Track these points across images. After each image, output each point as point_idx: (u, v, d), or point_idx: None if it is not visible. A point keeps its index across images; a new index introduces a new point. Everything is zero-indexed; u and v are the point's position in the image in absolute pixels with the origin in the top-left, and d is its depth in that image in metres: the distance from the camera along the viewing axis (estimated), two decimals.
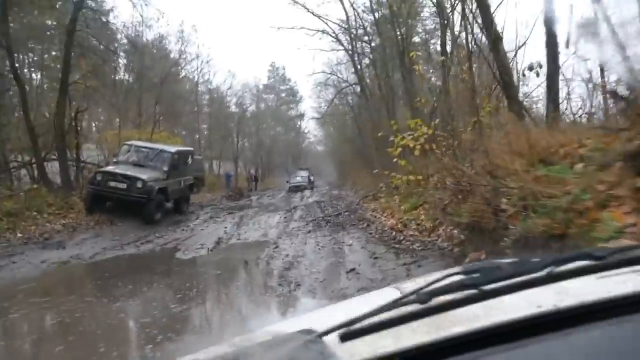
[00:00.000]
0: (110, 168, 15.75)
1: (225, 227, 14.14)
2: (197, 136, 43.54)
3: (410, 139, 10.50)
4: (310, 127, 72.06)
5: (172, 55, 37.93)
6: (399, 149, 11.33)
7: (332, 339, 0.90)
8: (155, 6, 56.39)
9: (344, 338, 0.89)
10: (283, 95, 68.61)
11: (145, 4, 32.01)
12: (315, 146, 77.99)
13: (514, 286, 0.95)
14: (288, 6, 48.64)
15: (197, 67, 41.76)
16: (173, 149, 17.36)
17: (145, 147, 16.74)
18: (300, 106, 68.71)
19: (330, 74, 37.37)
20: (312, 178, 45.44)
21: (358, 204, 18.63)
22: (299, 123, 70.69)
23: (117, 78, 31.43)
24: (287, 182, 41.08)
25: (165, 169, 15.99)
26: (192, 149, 20.33)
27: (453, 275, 1.02)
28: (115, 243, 11.88)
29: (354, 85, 37.07)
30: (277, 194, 32.01)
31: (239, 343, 0.99)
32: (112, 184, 14.83)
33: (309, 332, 0.94)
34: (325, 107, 44.87)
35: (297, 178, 41.04)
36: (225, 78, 57.73)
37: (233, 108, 52.12)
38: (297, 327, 1.02)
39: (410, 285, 1.24)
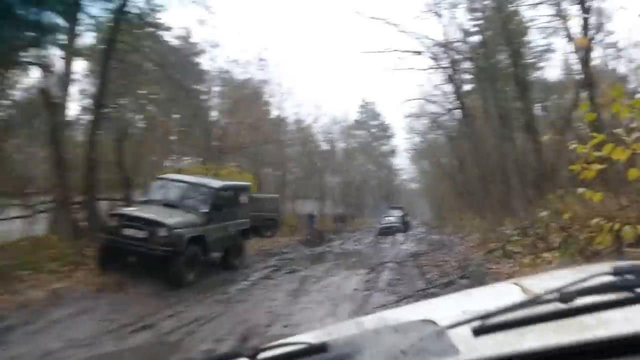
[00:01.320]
0: (128, 209, 11.48)
1: (275, 300, 9.17)
2: (281, 173, 39.62)
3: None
4: (402, 163, 66.62)
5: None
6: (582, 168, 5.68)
7: (462, 333, 0.84)
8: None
9: (478, 332, 0.83)
10: (374, 131, 63.88)
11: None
12: (408, 184, 72.16)
13: None
14: (375, 34, 44.35)
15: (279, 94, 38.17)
16: (218, 183, 12.66)
17: (182, 182, 12.29)
18: (392, 142, 63.66)
19: (425, 99, 32.02)
20: (407, 218, 39.75)
21: (479, 262, 12.15)
22: (390, 160, 65.52)
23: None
24: (379, 222, 35.74)
25: (205, 210, 11.41)
26: (248, 183, 15.58)
27: (602, 275, 0.92)
28: (96, 329, 7.31)
29: (453, 111, 31.51)
30: (364, 238, 26.78)
31: (365, 324, 1.01)
32: (129, 231, 10.44)
33: (431, 322, 0.90)
34: (419, 141, 39.50)
35: (389, 218, 35.57)
36: (311, 111, 54.04)
37: (321, 144, 48.09)
38: (416, 315, 0.98)
39: (531, 282, 1.14)
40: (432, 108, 33.67)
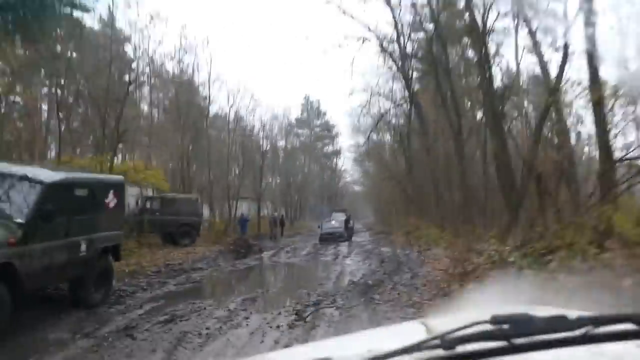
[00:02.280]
0: None
1: None
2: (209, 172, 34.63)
3: None
4: (346, 165, 62.88)
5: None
6: None
7: None
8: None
9: None
10: (317, 130, 59.82)
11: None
12: (351, 186, 68.42)
13: (547, 343, 0.89)
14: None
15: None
16: (52, 175, 7.65)
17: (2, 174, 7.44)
18: (336, 142, 59.80)
19: (372, 94, 28.04)
20: (351, 223, 35.78)
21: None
22: (334, 160, 61.65)
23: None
24: (319, 227, 31.41)
25: (22, 219, 6.71)
26: (119, 178, 10.45)
27: (482, 323, 0.94)
28: None
29: (402, 106, 27.72)
30: (302, 246, 22.35)
31: None
32: None
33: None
34: (364, 142, 35.60)
35: (332, 223, 31.25)
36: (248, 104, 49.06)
37: (259, 141, 43.44)
38: (316, 354, 0.98)
39: (437, 323, 1.16)
40: (380, 104, 29.93)
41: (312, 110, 59.37)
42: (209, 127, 32.21)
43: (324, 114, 59.19)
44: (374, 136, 40.88)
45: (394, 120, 31.12)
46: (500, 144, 17.94)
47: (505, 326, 0.92)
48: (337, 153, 59.08)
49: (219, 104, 38.65)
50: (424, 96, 27.68)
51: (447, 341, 0.89)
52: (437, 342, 0.90)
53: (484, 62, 18.05)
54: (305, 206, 57.37)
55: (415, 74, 25.81)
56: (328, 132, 59.49)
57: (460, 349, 0.87)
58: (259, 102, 38.46)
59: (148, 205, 19.81)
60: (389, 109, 28.02)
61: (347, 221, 31.56)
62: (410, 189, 30.12)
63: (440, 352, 0.88)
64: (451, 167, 23.09)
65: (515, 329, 0.90)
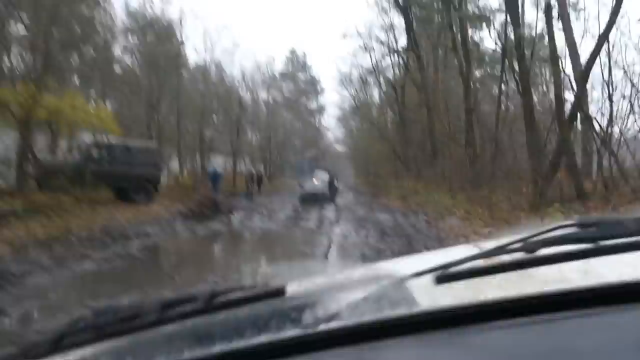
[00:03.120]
0: None
1: None
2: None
3: None
4: (330, 123, 59.20)
5: None
6: None
7: (424, 282, 0.80)
8: None
9: (440, 280, 0.79)
10: (302, 85, 55.59)
11: None
12: (334, 147, 64.56)
13: (637, 245, 0.81)
14: None
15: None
16: None
17: None
18: (321, 99, 55.76)
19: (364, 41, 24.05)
20: (336, 183, 32.40)
21: None
22: (318, 118, 57.71)
23: None
24: (300, 185, 27.94)
25: None
26: None
27: (567, 227, 0.90)
28: None
29: (401, 53, 23.93)
30: (280, 207, 18.83)
31: (335, 278, 0.94)
32: None
33: (393, 274, 0.88)
34: (351, 101, 31.77)
35: (314, 183, 27.79)
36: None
37: (239, 92, 39.32)
38: (389, 270, 0.96)
39: (489, 244, 1.02)
40: (373, 56, 26.02)
41: (297, 64, 54.98)
42: (182, 73, 28.07)
43: (310, 67, 54.87)
44: (361, 95, 37.34)
45: (388, 73, 27.34)
46: (527, 95, 14.55)
47: (592, 229, 0.87)
48: (321, 110, 55.21)
49: (195, 49, 33.87)
50: (426, 42, 23.98)
51: (530, 244, 0.85)
52: (519, 245, 0.86)
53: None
54: (286, 164, 53.81)
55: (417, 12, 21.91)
56: (313, 86, 55.30)
57: (543, 251, 0.82)
58: (239, 47, 33.96)
59: (94, 153, 16.00)
60: (382, 57, 24.02)
61: (331, 181, 28.14)
62: (402, 148, 26.72)
63: (522, 255, 0.84)
64: (455, 122, 19.70)
65: (603, 232, 0.85)
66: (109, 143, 16.55)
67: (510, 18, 14.76)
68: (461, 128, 19.49)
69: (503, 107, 20.92)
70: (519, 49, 15.06)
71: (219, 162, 34.55)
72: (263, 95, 44.75)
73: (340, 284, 0.88)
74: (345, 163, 63.85)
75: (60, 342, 0.86)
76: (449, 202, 13.17)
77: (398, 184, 23.58)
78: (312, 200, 24.63)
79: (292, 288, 0.90)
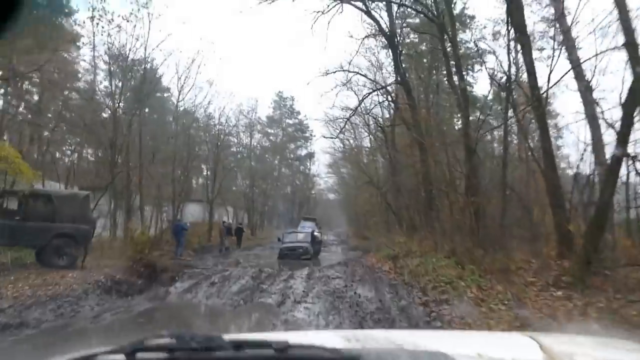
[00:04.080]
0: None
1: None
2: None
3: None
4: (320, 171, 56.08)
5: None
6: None
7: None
8: None
9: None
10: (290, 130, 52.78)
11: None
12: (325, 194, 61.02)
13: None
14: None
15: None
16: None
17: None
18: (310, 146, 52.77)
19: (352, 72, 21.02)
20: (318, 234, 28.69)
21: None
22: (307, 164, 54.55)
23: None
24: (279, 239, 24.41)
25: None
26: None
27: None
28: None
29: (389, 90, 20.89)
30: (245, 270, 15.08)
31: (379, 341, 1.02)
32: None
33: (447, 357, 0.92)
34: (339, 132, 28.61)
35: (295, 236, 24.26)
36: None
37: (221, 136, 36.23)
38: (430, 344, 1.03)
39: (549, 340, 1.10)
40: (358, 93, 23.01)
41: (284, 108, 52.37)
42: (145, 112, 24.95)
43: (298, 112, 52.21)
44: (350, 141, 34.33)
45: (376, 110, 24.25)
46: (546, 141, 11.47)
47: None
48: (310, 156, 52.12)
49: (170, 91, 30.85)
50: (416, 79, 21.05)
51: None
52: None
53: None
54: (274, 213, 50.32)
55: (405, 44, 19.04)
56: (301, 132, 52.48)
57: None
58: (217, 85, 31.22)
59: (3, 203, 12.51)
60: (369, 96, 20.93)
61: (313, 233, 24.57)
62: (394, 196, 23.34)
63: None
64: (453, 165, 16.39)
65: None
66: (21, 191, 13.02)
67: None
68: (461, 174, 16.16)
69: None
70: (532, 78, 12.05)
71: (194, 212, 31.08)
72: (248, 140, 41.67)
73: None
74: (336, 212, 60.42)
75: (133, 356, 0.88)
76: (452, 273, 9.60)
77: (389, 239, 20.00)
78: (291, 256, 21.17)
79: (367, 354, 0.89)
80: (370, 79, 20.63)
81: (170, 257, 20.07)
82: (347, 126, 28.96)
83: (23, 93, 24.11)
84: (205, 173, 31.55)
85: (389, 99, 20.89)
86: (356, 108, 20.71)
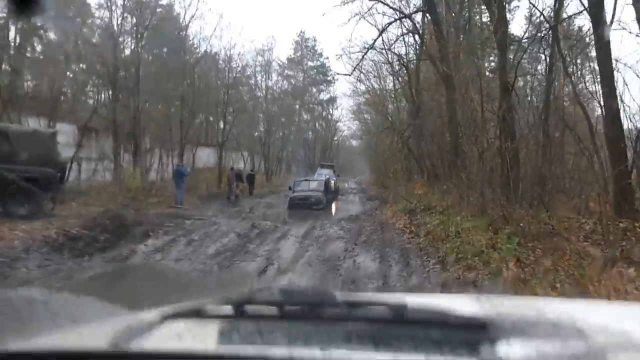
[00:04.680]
0: None
1: None
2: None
3: None
4: (343, 116, 53.22)
5: None
6: None
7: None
8: None
9: None
10: (312, 73, 49.74)
11: None
12: (349, 141, 58.28)
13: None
14: None
15: None
16: None
17: None
18: (333, 90, 49.69)
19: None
20: (333, 182, 26.58)
21: None
22: (330, 110, 51.62)
23: None
24: (290, 188, 22.33)
25: None
26: None
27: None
28: None
29: (416, 18, 17.94)
30: (244, 223, 13.10)
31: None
32: None
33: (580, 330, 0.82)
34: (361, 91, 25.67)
35: (308, 184, 22.19)
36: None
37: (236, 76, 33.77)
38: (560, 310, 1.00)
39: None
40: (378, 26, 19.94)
41: (306, 50, 49.15)
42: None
43: (320, 54, 48.92)
44: (372, 82, 31.24)
45: (400, 48, 21.24)
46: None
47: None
48: (333, 100, 49.16)
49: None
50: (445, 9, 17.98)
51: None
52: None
53: None
54: (293, 159, 48.23)
55: None
56: (324, 76, 49.37)
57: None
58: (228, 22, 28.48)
59: None
60: (392, 22, 17.92)
61: (327, 182, 22.43)
62: (416, 142, 20.81)
63: None
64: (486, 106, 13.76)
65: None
66: None
67: None
68: (493, 116, 13.55)
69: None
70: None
71: (205, 157, 29.18)
72: (265, 82, 39.09)
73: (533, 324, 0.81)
74: (360, 159, 57.92)
75: (242, 309, 0.86)
76: (481, 238, 7.29)
77: (410, 188, 17.67)
78: (302, 206, 19.24)
79: (494, 322, 0.81)
80: (392, 8, 17.60)
81: (168, 205, 18.35)
82: (369, 67, 26.10)
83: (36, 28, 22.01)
84: (218, 117, 29.21)
85: (414, 30, 17.93)
86: (375, 40, 17.85)
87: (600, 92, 11.00)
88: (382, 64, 25.60)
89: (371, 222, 12.98)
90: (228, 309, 0.88)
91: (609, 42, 10.10)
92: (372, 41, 17.77)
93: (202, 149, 29.15)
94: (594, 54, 13.50)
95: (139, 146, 21.86)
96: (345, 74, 19.84)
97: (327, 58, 48.25)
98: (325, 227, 12.11)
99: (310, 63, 49.59)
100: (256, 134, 38.52)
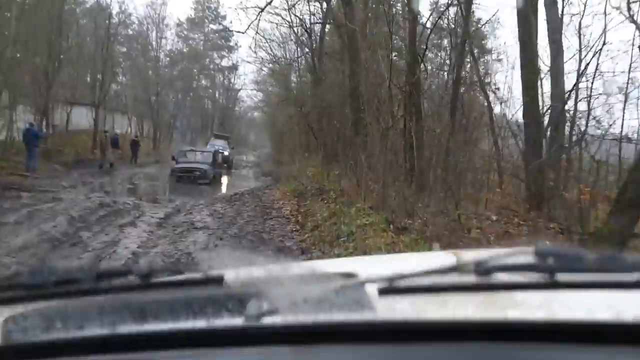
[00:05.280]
0: None
1: None
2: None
3: None
4: (246, 85, 49.91)
5: None
6: None
7: (370, 290, 0.73)
8: None
9: (383, 292, 0.74)
10: (213, 37, 45.92)
11: None
12: (252, 113, 55.11)
13: (595, 283, 0.76)
14: None
15: None
16: None
17: None
18: (235, 56, 46.31)
19: None
20: (228, 154, 24.11)
21: None
22: (232, 79, 48.15)
23: None
24: (173, 158, 19.45)
25: None
26: None
27: (524, 254, 0.81)
28: None
29: None
30: (95, 199, 10.38)
31: (277, 271, 0.82)
32: None
33: (349, 276, 0.81)
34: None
35: (194, 155, 19.51)
36: None
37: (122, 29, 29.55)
38: (339, 269, 0.89)
39: (471, 255, 0.91)
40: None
41: (209, 11, 45.17)
42: None
43: (223, 17, 45.13)
44: (277, 52, 28.71)
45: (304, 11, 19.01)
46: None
47: (551, 259, 0.77)
48: (234, 68, 45.83)
49: None
50: None
51: (483, 267, 0.77)
52: (471, 267, 0.78)
53: None
54: (189, 128, 44.60)
55: None
56: (226, 41, 45.81)
57: (497, 277, 0.76)
58: None
59: None
60: None
61: (215, 154, 19.89)
62: (318, 116, 18.91)
63: (473, 278, 0.76)
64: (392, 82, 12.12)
65: (562, 263, 0.76)
66: None
67: None
68: (400, 91, 11.95)
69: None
70: None
71: (80, 118, 25.12)
72: (159, 41, 34.95)
73: (282, 279, 0.76)
74: (263, 132, 55.28)
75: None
76: (380, 240, 5.48)
77: (304, 165, 15.77)
78: (185, 180, 16.76)
79: (231, 277, 0.82)
80: None
81: (15, 171, 14.91)
82: (270, 30, 23.57)
83: None
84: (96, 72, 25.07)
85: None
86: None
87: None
88: (284, 28, 23.33)
89: (254, 204, 10.86)
90: None
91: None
92: None
93: (79, 108, 25.08)
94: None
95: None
96: (239, 32, 16.94)
97: (232, 22, 44.85)
98: (195, 209, 9.77)
99: (212, 26, 45.74)
100: (149, 98, 34.55)
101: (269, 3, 14.86)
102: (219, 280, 0.82)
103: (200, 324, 0.68)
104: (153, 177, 18.76)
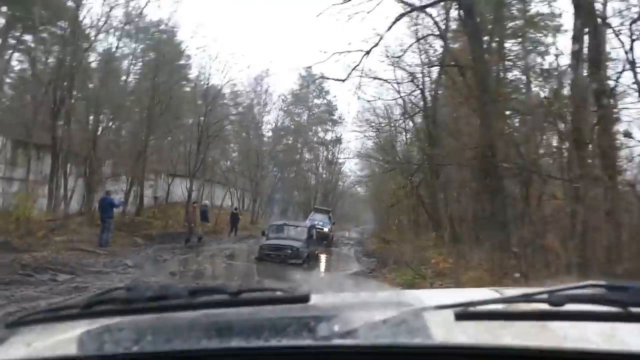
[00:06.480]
0: None
1: None
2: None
3: None
4: (348, 159, 47.85)
5: None
6: None
7: (444, 316, 0.76)
8: None
9: (460, 317, 0.75)
10: (316, 111, 45.09)
11: None
12: (355, 187, 52.52)
13: None
14: None
15: None
16: None
17: None
18: (338, 130, 44.81)
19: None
20: (327, 230, 21.27)
21: None
22: (336, 153, 46.37)
23: None
24: (263, 233, 16.84)
25: None
26: None
27: (595, 287, 0.83)
28: None
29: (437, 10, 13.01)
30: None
31: (358, 297, 0.90)
32: None
33: (413, 304, 0.84)
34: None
35: (286, 230, 16.74)
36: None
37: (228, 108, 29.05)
38: (412, 299, 0.92)
39: (514, 291, 1.00)
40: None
41: (313, 87, 44.57)
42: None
43: (327, 92, 44.25)
44: (380, 116, 26.12)
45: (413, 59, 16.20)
46: None
47: (622, 292, 0.78)
48: (338, 141, 44.15)
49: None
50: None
51: (556, 296, 0.77)
52: (544, 296, 0.78)
53: None
54: (291, 202, 43.03)
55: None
56: (329, 114, 44.68)
57: (568, 307, 0.74)
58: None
59: None
60: (404, 15, 12.93)
61: (312, 229, 16.95)
62: (427, 187, 15.38)
63: (546, 307, 0.75)
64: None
65: (634, 296, 0.76)
66: None
67: None
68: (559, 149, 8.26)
69: None
70: None
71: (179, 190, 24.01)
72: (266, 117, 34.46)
73: (363, 303, 0.82)
74: (366, 208, 52.31)
75: (90, 309, 0.86)
76: None
77: (417, 249, 12.15)
78: (274, 259, 14.04)
79: (316, 298, 0.86)
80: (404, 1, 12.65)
81: (85, 245, 13.04)
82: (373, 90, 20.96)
83: None
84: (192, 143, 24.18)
85: (433, 27, 12.94)
86: (377, 43, 12.56)
87: None
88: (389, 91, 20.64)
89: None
90: (76, 311, 0.87)
91: None
92: (378, 37, 12.48)
93: (181, 180, 24.06)
94: None
95: (93, 170, 16.93)
96: (338, 79, 14.28)
97: (335, 97, 43.89)
98: None
99: (316, 101, 45.08)
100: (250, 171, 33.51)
101: (376, 45, 12.20)
102: (304, 300, 0.83)
103: (284, 341, 0.71)
104: (239, 255, 16.24)
